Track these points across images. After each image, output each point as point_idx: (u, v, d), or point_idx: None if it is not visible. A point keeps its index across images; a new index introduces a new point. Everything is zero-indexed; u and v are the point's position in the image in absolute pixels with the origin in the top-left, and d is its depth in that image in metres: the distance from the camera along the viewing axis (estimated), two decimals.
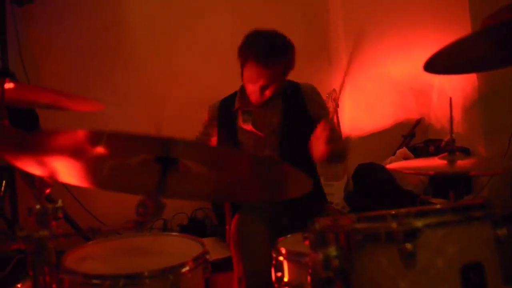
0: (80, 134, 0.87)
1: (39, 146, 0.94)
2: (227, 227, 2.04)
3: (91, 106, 1.36)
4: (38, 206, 1.06)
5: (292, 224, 1.70)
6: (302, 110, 2.03)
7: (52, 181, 1.21)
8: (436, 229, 0.81)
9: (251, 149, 2.03)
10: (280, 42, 1.91)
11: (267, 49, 1.86)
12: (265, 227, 1.78)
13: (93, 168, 1.03)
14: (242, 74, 1.99)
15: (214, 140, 2.10)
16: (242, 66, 1.95)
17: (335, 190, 3.35)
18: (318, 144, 1.75)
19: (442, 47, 1.13)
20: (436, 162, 1.57)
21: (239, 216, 1.87)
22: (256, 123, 2.03)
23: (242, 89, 2.07)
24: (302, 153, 1.96)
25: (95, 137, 0.88)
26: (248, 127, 2.03)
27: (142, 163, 0.99)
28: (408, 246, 0.79)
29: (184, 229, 3.13)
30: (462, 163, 1.53)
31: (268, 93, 1.95)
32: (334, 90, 3.40)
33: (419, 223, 0.80)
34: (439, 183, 2.98)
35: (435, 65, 1.19)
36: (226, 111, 2.08)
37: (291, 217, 1.87)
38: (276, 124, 2.02)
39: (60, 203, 1.10)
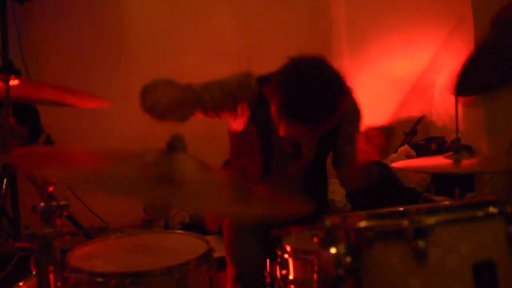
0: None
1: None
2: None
3: (97, 104, 1.35)
4: (42, 204, 1.05)
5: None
6: (335, 134, 1.81)
7: (55, 180, 1.20)
8: (448, 226, 0.80)
9: (279, 163, 1.82)
10: (325, 99, 1.46)
11: (306, 109, 1.44)
12: (258, 228, 1.71)
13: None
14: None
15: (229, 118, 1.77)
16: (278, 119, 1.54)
17: (337, 188, 3.32)
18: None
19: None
20: (441, 161, 1.56)
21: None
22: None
23: None
24: (322, 171, 1.95)
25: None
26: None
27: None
28: (420, 243, 0.78)
29: (185, 227, 3.12)
30: (468, 162, 1.52)
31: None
32: None
33: (430, 220, 0.80)
34: (441, 181, 2.97)
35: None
36: (263, 115, 1.65)
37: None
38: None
39: (65, 200, 1.09)
